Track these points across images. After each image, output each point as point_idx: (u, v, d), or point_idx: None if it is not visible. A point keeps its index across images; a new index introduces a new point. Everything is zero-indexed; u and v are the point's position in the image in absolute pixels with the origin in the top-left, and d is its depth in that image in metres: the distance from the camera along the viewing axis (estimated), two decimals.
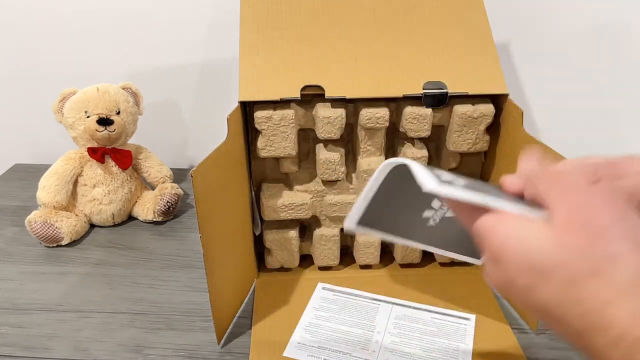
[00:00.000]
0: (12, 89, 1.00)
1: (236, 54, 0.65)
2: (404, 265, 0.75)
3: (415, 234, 0.43)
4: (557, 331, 0.31)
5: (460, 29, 0.67)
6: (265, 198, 0.68)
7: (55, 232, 0.78)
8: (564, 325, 0.30)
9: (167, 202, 0.84)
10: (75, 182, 0.82)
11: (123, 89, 0.83)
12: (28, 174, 0.98)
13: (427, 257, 0.75)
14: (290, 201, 0.68)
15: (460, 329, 0.64)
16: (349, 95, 0.63)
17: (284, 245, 0.71)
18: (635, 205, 0.31)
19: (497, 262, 0.33)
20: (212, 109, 0.99)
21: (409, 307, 0.67)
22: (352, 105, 0.66)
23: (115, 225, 0.85)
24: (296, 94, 0.63)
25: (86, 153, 0.81)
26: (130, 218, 0.87)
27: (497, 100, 0.66)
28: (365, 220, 0.41)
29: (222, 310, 0.63)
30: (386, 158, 0.68)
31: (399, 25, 0.67)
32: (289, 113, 0.63)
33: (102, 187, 0.82)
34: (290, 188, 0.70)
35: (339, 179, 0.68)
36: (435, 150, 0.70)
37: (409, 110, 0.64)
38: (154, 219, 0.84)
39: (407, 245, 0.68)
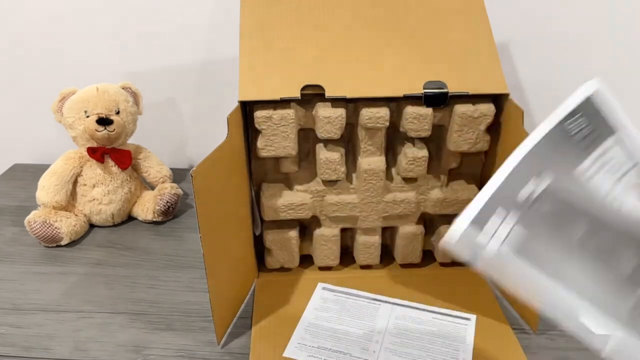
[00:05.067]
0: (12, 89, 1.00)
1: (236, 54, 0.65)
2: (404, 266, 0.74)
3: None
4: None
5: (460, 29, 0.67)
6: (265, 198, 0.68)
7: (54, 232, 0.77)
8: None
9: (167, 202, 0.84)
10: (75, 182, 0.82)
11: (123, 88, 0.83)
12: (28, 174, 0.98)
13: (428, 257, 0.75)
14: (290, 201, 0.68)
15: (460, 329, 0.64)
16: (349, 95, 0.63)
17: (284, 245, 0.71)
18: None
19: None
20: (212, 109, 0.99)
21: (409, 307, 0.67)
22: (352, 105, 0.66)
23: (114, 225, 0.85)
24: (296, 94, 0.63)
25: (86, 153, 0.81)
26: (130, 218, 0.87)
27: (498, 100, 0.66)
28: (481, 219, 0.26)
29: (222, 310, 0.62)
30: (386, 158, 0.68)
31: (399, 25, 0.67)
32: (289, 113, 0.63)
33: (102, 187, 0.82)
34: (290, 188, 0.70)
35: (339, 178, 0.67)
36: (436, 150, 0.70)
37: (410, 110, 0.64)
38: (154, 219, 0.84)
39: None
